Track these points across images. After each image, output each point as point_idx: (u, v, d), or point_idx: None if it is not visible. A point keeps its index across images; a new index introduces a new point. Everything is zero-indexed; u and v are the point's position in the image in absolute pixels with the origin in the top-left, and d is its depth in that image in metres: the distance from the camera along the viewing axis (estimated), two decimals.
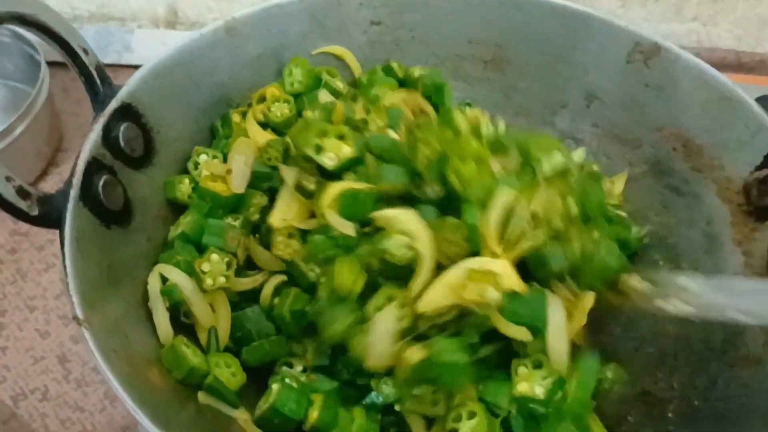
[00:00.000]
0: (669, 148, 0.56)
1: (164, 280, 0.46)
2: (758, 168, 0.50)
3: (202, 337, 0.46)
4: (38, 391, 0.68)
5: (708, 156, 0.54)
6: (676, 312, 0.42)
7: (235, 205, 0.50)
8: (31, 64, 0.86)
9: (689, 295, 0.42)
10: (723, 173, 0.53)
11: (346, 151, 0.46)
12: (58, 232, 0.76)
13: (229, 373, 0.45)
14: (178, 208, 0.52)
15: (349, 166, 0.47)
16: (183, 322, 0.47)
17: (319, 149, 0.47)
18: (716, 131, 0.53)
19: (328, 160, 0.46)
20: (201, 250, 0.48)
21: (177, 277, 0.46)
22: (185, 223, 0.49)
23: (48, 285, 0.75)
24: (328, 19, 0.59)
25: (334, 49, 0.60)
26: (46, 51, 0.86)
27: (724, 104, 0.53)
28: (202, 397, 0.43)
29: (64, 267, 0.39)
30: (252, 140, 0.52)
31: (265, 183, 0.50)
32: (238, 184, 0.49)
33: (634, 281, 0.45)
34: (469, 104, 0.62)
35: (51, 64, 0.86)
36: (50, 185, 0.83)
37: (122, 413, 0.67)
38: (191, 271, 0.46)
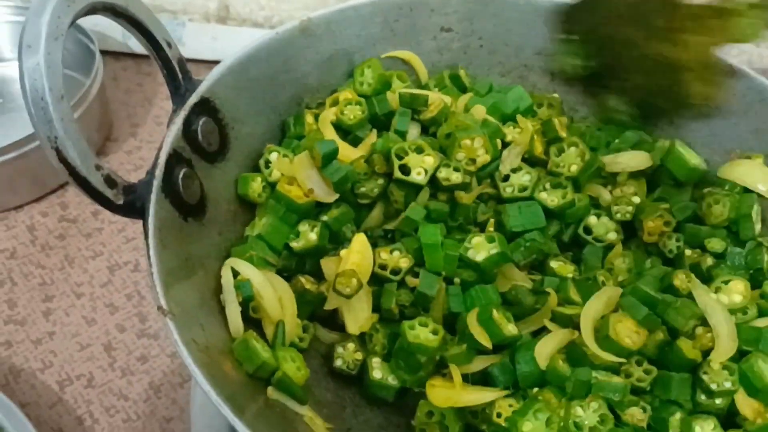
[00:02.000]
0: None
1: (235, 274, 0.46)
2: None
3: (269, 332, 0.47)
4: (84, 377, 0.68)
5: None
6: None
7: (309, 211, 0.50)
8: (85, 52, 0.87)
9: None
10: None
11: (429, 160, 0.48)
12: (106, 221, 0.77)
13: (294, 367, 0.45)
14: (247, 204, 0.52)
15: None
16: (250, 317, 0.47)
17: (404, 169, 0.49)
18: None
19: (417, 176, 0.50)
20: (274, 249, 0.49)
21: (249, 271, 0.46)
22: (261, 225, 0.50)
23: (95, 273, 0.76)
24: (399, 23, 0.59)
25: (403, 53, 0.60)
26: (99, 39, 0.87)
27: None
28: (271, 392, 0.43)
29: (149, 257, 0.39)
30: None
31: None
32: (325, 195, 0.50)
33: None
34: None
35: (102, 52, 0.87)
36: None
37: (166, 404, 0.67)
38: (263, 266, 0.47)
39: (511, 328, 0.46)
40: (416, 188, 0.51)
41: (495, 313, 0.45)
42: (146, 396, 0.67)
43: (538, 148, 0.55)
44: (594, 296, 0.46)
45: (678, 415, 0.43)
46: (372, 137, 0.54)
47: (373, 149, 0.52)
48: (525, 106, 0.58)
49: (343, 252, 0.48)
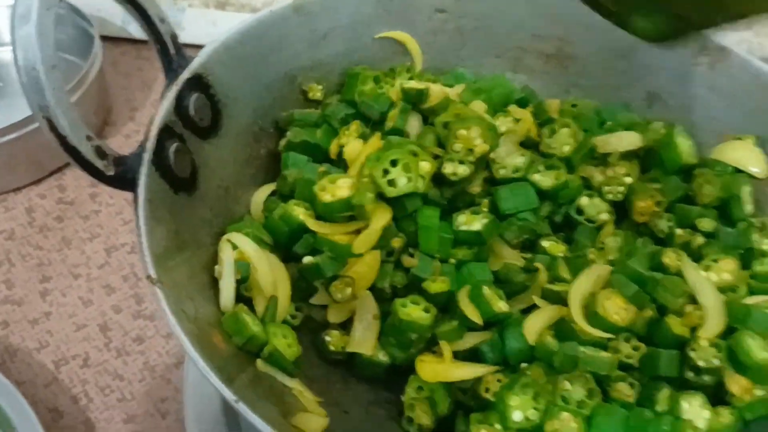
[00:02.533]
0: None
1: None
2: None
3: (260, 309, 0.47)
4: (79, 357, 0.68)
5: None
6: None
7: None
8: (84, 37, 0.87)
9: None
10: None
11: (426, 166, 0.48)
12: (104, 203, 0.77)
13: (285, 344, 0.45)
14: (240, 180, 0.52)
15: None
16: (241, 296, 0.47)
17: (392, 181, 0.48)
18: None
19: (406, 180, 0.48)
20: (272, 228, 0.50)
21: (247, 245, 0.47)
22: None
23: (92, 254, 0.76)
24: (394, 3, 0.59)
25: (398, 34, 0.60)
26: (98, 24, 0.87)
27: None
28: (260, 364, 0.43)
29: (138, 227, 0.40)
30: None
31: None
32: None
33: None
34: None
35: (102, 38, 0.87)
36: None
37: (160, 384, 0.68)
38: (258, 242, 0.47)
39: (501, 305, 0.46)
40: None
41: (486, 291, 0.45)
42: (141, 376, 0.68)
43: (532, 130, 0.55)
44: (583, 273, 0.46)
45: (666, 392, 0.43)
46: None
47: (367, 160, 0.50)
48: (510, 92, 0.58)
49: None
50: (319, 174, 0.50)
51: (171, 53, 0.48)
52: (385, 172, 0.47)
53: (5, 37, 0.93)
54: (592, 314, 0.44)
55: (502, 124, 0.55)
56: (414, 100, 0.55)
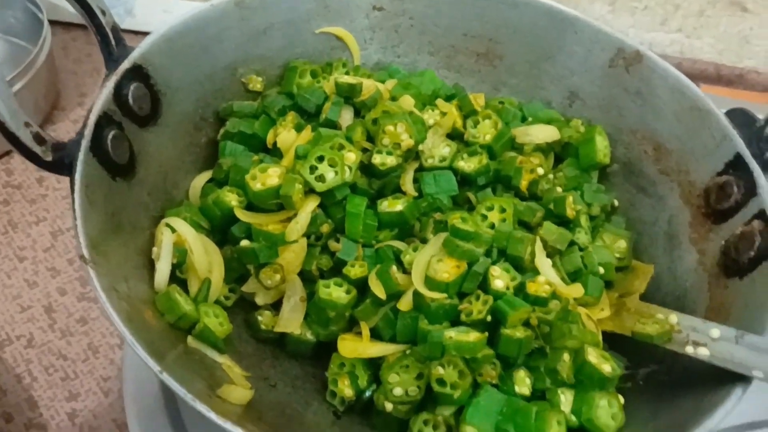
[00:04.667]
0: (641, 150, 0.60)
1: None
2: (719, 174, 0.54)
3: (194, 290, 0.49)
4: (24, 338, 0.70)
5: (676, 161, 0.58)
6: (695, 356, 0.46)
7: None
8: (33, 20, 0.87)
9: (717, 345, 0.45)
10: (687, 177, 0.57)
11: (351, 156, 0.52)
12: (51, 187, 0.78)
13: (216, 322, 0.48)
14: (179, 167, 0.55)
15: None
16: (176, 277, 0.49)
17: (320, 176, 0.51)
18: (686, 138, 0.57)
19: (333, 174, 0.51)
20: (207, 213, 0.52)
21: (185, 229, 0.49)
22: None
23: (38, 237, 0.77)
24: (333, 0, 0.62)
25: (337, 30, 0.63)
26: (49, 9, 0.87)
27: (695, 114, 0.57)
28: (191, 341, 0.46)
29: (74, 210, 0.42)
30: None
31: None
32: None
33: (673, 318, 0.49)
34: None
35: (52, 23, 0.87)
36: None
37: (104, 364, 0.70)
38: (195, 227, 0.50)
39: (400, 279, 0.49)
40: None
41: (393, 269, 0.49)
42: (85, 356, 0.70)
43: (457, 122, 0.59)
44: (425, 245, 0.50)
45: (521, 373, 0.47)
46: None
47: (296, 154, 0.53)
48: (439, 88, 0.62)
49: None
50: (253, 162, 0.53)
51: (112, 44, 0.50)
52: (313, 168, 0.50)
53: None
54: (427, 279, 0.48)
55: (430, 117, 0.59)
56: (347, 94, 0.58)
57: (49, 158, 0.43)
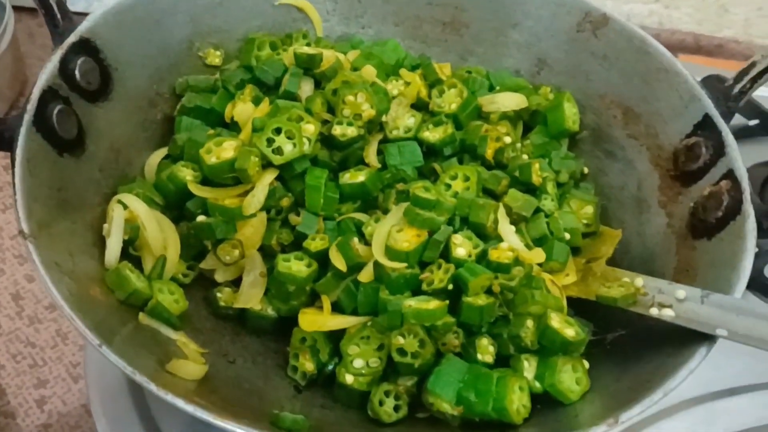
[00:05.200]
0: (610, 115, 0.59)
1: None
2: (688, 136, 0.53)
3: (148, 267, 0.48)
4: None
5: (644, 124, 0.57)
6: (659, 317, 0.45)
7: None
8: None
9: (682, 305, 0.44)
10: (656, 141, 0.55)
11: (310, 128, 0.50)
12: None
13: (172, 299, 0.47)
14: (133, 143, 0.53)
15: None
16: (129, 254, 0.48)
17: (277, 149, 0.49)
18: (654, 101, 0.56)
19: (291, 147, 0.50)
20: (161, 189, 0.51)
21: (137, 205, 0.48)
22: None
23: (4, 225, 0.76)
24: None
25: (298, 1, 0.62)
26: None
27: (662, 75, 0.55)
28: (142, 317, 0.45)
29: (13, 185, 0.41)
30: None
31: None
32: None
33: (638, 281, 0.48)
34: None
35: (17, 9, 0.86)
36: None
37: (72, 350, 0.69)
38: (149, 203, 0.49)
39: (361, 251, 0.48)
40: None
41: (354, 241, 0.48)
42: (53, 343, 0.69)
43: (422, 92, 0.58)
44: (386, 216, 0.49)
45: (484, 340, 0.46)
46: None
47: (253, 127, 0.51)
48: (403, 58, 0.60)
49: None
50: (209, 137, 0.52)
51: (57, 17, 0.49)
52: (270, 141, 0.49)
53: None
54: (387, 249, 0.47)
55: (394, 87, 0.57)
56: (306, 65, 0.56)
57: None
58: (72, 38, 0.49)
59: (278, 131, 0.50)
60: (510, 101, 0.58)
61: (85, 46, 0.49)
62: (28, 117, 0.44)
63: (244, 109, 0.53)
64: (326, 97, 0.55)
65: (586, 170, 0.60)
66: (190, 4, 0.57)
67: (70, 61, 0.48)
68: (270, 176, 0.50)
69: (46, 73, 0.46)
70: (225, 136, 0.52)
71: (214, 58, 0.59)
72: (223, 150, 0.49)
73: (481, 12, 0.63)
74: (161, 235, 0.48)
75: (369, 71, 0.57)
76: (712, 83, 0.58)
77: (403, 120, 0.56)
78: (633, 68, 0.57)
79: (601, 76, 0.59)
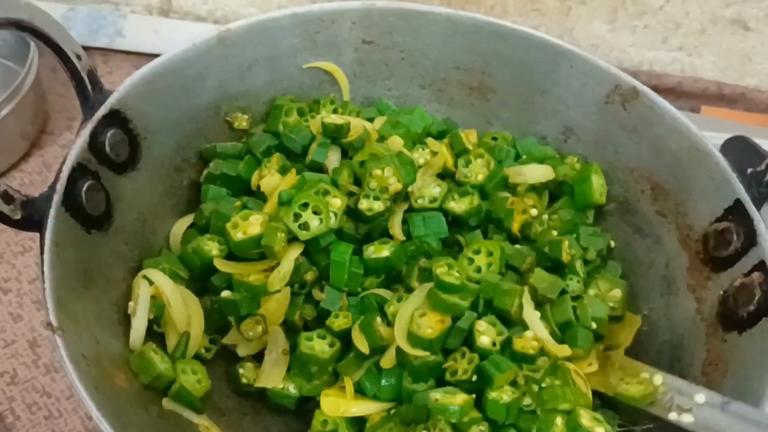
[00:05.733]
0: (638, 189, 0.58)
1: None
2: (718, 220, 0.53)
3: (171, 345, 0.48)
4: (7, 374, 0.68)
5: (674, 202, 0.56)
6: (678, 422, 0.44)
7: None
8: (20, 41, 0.86)
9: (702, 411, 0.43)
10: (686, 220, 0.55)
11: (337, 202, 0.50)
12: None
13: (195, 380, 0.46)
14: (158, 212, 0.53)
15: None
16: (153, 331, 0.48)
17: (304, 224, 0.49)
18: (684, 179, 0.55)
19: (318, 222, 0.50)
20: (186, 262, 0.51)
21: (163, 281, 0.48)
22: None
23: (23, 269, 0.76)
24: (321, 35, 0.60)
25: (325, 65, 0.62)
26: None
27: (692, 154, 0.55)
28: (166, 403, 0.44)
29: (42, 273, 0.40)
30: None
31: None
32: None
33: (658, 379, 0.47)
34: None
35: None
36: (32, 167, 0.84)
37: None
38: (174, 277, 0.49)
39: (384, 333, 0.47)
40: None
41: (377, 321, 0.47)
42: (69, 393, 0.68)
43: (448, 161, 0.57)
44: (409, 297, 0.48)
45: None
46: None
47: (279, 200, 0.51)
48: (429, 125, 0.60)
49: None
50: (235, 209, 0.51)
51: (88, 89, 0.49)
52: (297, 216, 0.49)
53: None
54: (410, 334, 0.47)
55: (420, 156, 0.57)
56: (334, 135, 0.56)
57: (18, 216, 0.41)
58: (102, 110, 0.48)
59: (305, 206, 0.49)
60: (537, 174, 0.57)
61: (115, 118, 0.49)
62: (57, 198, 0.43)
63: (270, 181, 0.53)
64: (353, 168, 0.54)
65: (612, 244, 0.59)
66: (219, 69, 0.56)
67: (99, 134, 0.48)
68: (296, 252, 0.50)
69: (75, 149, 0.46)
70: (251, 206, 0.52)
71: (242, 122, 0.59)
72: (249, 225, 0.49)
73: (508, 78, 0.63)
74: (186, 312, 0.48)
75: (396, 141, 0.56)
76: (740, 148, 0.57)
77: (428, 189, 0.56)
78: (663, 144, 0.57)
79: (630, 149, 0.59)
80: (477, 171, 0.57)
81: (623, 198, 0.59)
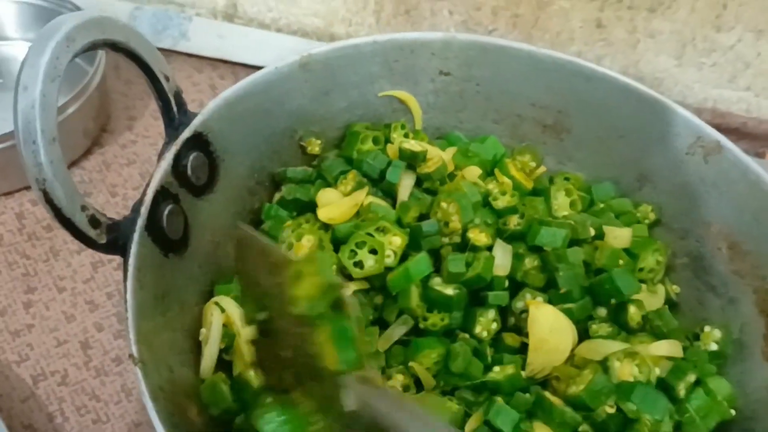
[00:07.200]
0: (714, 246, 0.57)
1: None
2: None
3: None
4: (58, 374, 0.69)
5: (752, 264, 0.54)
6: None
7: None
8: None
9: None
10: (765, 285, 0.53)
11: (397, 241, 0.50)
12: None
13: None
14: (231, 234, 0.53)
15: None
16: (221, 359, 0.48)
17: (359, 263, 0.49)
18: (765, 242, 0.54)
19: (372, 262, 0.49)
20: None
21: (235, 311, 0.48)
22: None
23: (78, 267, 0.76)
24: (399, 64, 0.60)
25: (400, 94, 0.61)
26: None
27: None
28: None
29: (125, 300, 0.40)
30: None
31: None
32: None
33: None
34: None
35: None
36: (92, 164, 0.84)
37: (136, 408, 0.69)
38: None
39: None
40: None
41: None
42: (118, 398, 0.68)
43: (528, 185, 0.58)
44: None
45: None
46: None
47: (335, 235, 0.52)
48: (501, 154, 0.60)
49: None
50: (286, 227, 0.51)
51: (173, 110, 0.48)
52: (353, 253, 0.49)
53: (9, 32, 0.92)
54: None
55: (495, 187, 0.56)
56: (410, 161, 0.56)
57: (104, 240, 0.41)
58: (186, 133, 0.48)
59: (363, 244, 0.49)
60: (620, 239, 0.55)
61: (198, 141, 0.49)
62: (141, 222, 0.43)
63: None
64: (424, 206, 0.54)
65: (677, 289, 0.58)
66: (299, 93, 0.56)
67: (182, 157, 0.48)
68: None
69: (160, 172, 0.46)
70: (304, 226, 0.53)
71: (314, 146, 0.59)
72: (301, 246, 0.50)
73: (586, 119, 0.61)
74: None
75: (473, 172, 0.56)
76: None
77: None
78: (745, 203, 0.55)
79: (708, 203, 0.57)
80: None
81: (698, 253, 0.58)
